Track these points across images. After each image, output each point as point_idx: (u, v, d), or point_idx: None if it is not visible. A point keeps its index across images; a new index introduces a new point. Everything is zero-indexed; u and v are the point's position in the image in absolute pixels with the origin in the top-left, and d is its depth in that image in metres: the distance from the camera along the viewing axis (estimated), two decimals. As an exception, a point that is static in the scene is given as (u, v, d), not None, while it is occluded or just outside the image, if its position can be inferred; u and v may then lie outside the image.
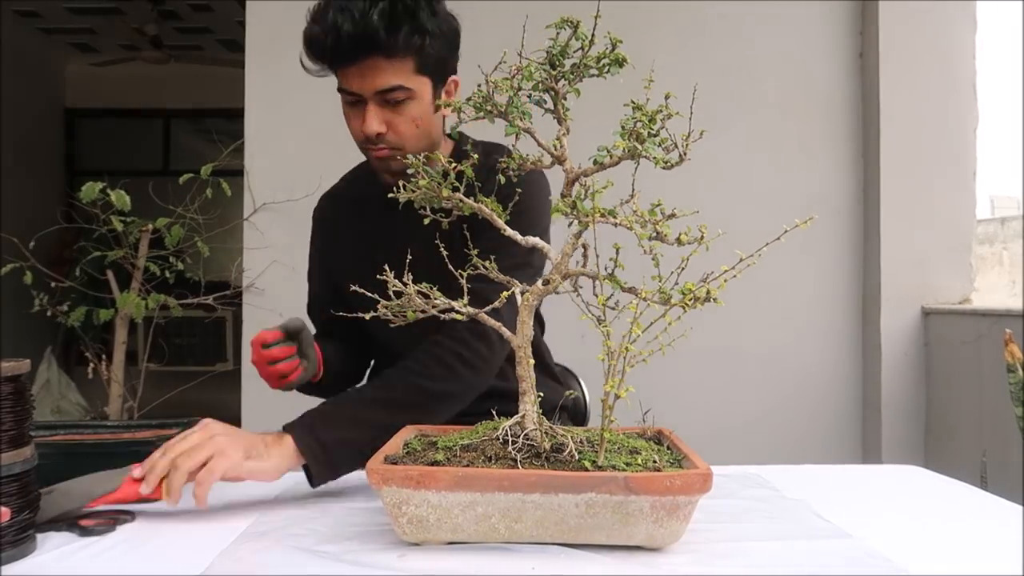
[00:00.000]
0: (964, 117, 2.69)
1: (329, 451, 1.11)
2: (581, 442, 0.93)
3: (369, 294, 1.00)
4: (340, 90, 1.34)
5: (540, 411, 0.97)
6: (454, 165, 1.01)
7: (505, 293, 0.98)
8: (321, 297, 1.57)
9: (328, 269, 1.56)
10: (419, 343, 1.27)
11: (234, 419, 2.69)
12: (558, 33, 0.98)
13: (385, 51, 1.25)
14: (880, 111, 2.67)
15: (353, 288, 1.02)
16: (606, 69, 0.98)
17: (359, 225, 1.51)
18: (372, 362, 1.61)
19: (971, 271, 2.68)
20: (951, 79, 2.69)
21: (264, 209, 2.69)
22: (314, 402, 1.23)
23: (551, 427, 0.95)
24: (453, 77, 1.39)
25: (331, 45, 1.26)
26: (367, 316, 1.00)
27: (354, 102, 1.32)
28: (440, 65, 1.33)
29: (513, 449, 0.91)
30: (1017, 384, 1.64)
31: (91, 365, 2.39)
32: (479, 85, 0.99)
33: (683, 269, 0.92)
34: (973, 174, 2.70)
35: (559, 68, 0.98)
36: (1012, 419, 1.80)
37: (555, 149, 1.00)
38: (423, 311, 0.99)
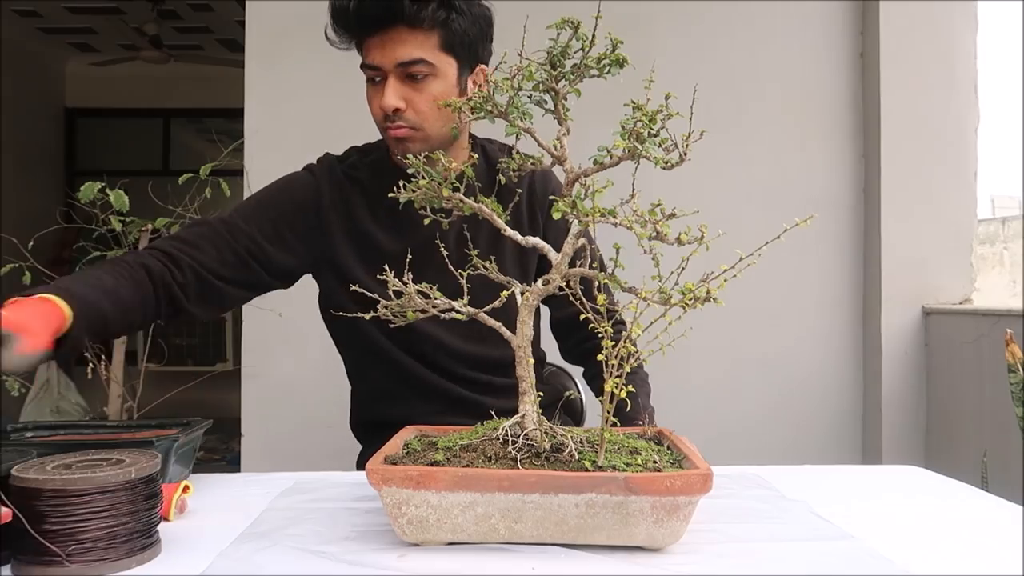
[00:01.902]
0: (965, 117, 2.69)
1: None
2: (581, 442, 0.93)
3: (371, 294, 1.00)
4: (363, 67, 1.31)
5: (540, 411, 0.97)
6: (454, 164, 1.01)
7: (505, 293, 0.98)
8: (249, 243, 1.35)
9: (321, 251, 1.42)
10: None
11: (234, 420, 2.70)
12: (559, 33, 0.98)
13: (408, 21, 1.24)
14: (881, 111, 2.67)
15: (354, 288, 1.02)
16: (606, 69, 0.98)
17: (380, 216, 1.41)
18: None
19: (972, 271, 2.68)
20: (952, 79, 2.69)
21: (264, 209, 2.69)
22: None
23: (551, 427, 0.95)
24: (482, 66, 1.35)
25: (355, 11, 1.25)
26: (367, 316, 1.00)
27: (377, 80, 1.30)
28: (467, 47, 1.30)
29: (513, 449, 0.91)
30: (1018, 384, 1.64)
31: (90, 365, 2.39)
32: (479, 85, 0.98)
33: (683, 269, 0.92)
34: (974, 174, 2.70)
35: (559, 68, 0.98)
36: (1012, 419, 1.79)
37: (555, 149, 1.00)
38: (423, 311, 0.99)
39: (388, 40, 1.25)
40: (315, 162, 1.47)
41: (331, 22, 1.31)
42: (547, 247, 0.99)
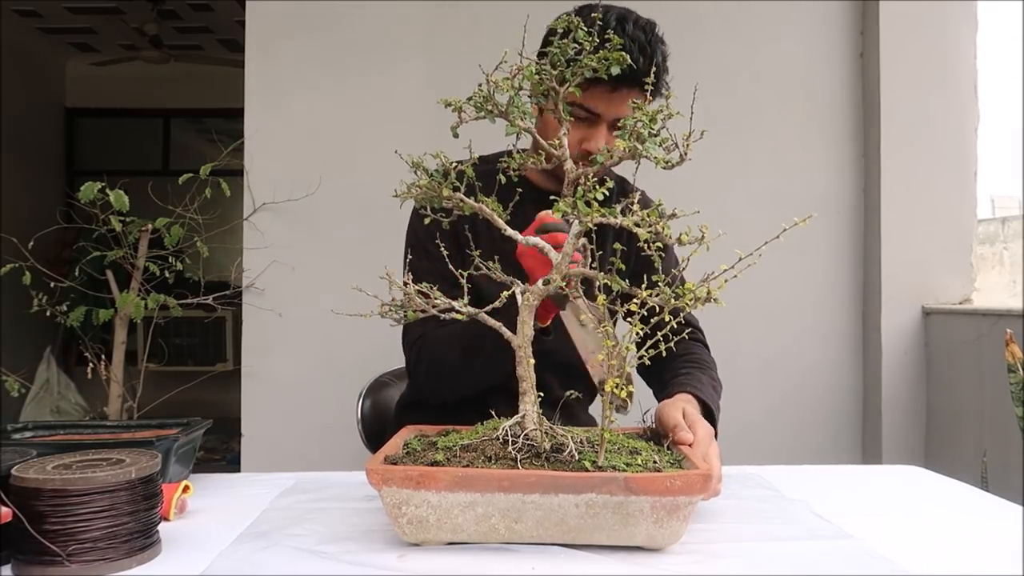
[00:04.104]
0: (965, 117, 2.69)
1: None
2: (581, 442, 0.93)
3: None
4: (575, 105, 1.32)
5: (540, 411, 0.97)
6: (454, 165, 1.01)
7: (505, 293, 0.98)
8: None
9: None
10: None
11: (234, 420, 2.70)
12: (559, 33, 0.98)
13: (643, 86, 1.26)
14: (881, 111, 2.67)
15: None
16: (606, 68, 0.98)
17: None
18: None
19: (972, 271, 2.68)
20: (952, 79, 2.68)
21: (264, 209, 2.69)
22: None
23: (551, 427, 0.95)
24: None
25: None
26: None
27: (582, 119, 1.33)
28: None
29: (513, 449, 0.91)
30: (1017, 384, 1.64)
31: (90, 365, 2.39)
32: (479, 85, 0.99)
33: (684, 269, 0.92)
34: (974, 174, 2.70)
35: (560, 68, 0.98)
36: (1012, 419, 1.79)
37: (556, 149, 1.00)
38: (423, 311, 0.99)
39: (618, 95, 1.30)
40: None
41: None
42: (547, 246, 0.99)
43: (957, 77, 2.68)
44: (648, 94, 1.24)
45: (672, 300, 0.91)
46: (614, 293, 0.95)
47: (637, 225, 0.92)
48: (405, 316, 1.00)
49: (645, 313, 0.90)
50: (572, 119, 1.30)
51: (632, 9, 1.37)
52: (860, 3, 2.78)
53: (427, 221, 1.05)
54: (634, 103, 0.97)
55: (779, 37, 2.79)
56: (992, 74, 2.82)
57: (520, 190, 1.11)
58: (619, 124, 1.29)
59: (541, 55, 1.03)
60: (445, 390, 1.43)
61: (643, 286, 0.93)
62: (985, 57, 2.69)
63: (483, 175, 1.08)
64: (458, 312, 0.98)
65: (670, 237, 0.92)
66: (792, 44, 2.79)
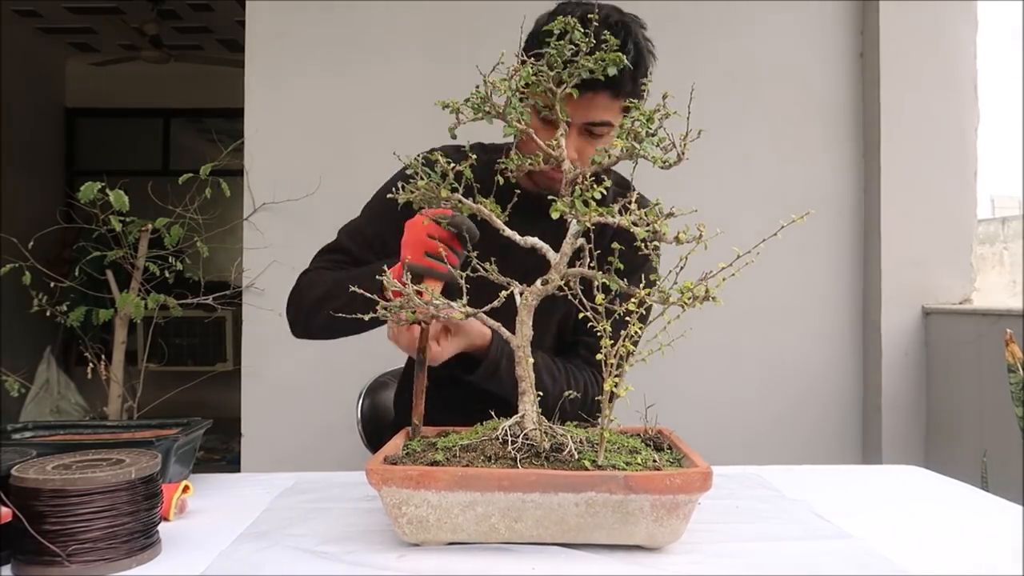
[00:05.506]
0: (965, 117, 2.69)
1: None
2: (581, 442, 0.93)
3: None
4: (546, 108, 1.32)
5: (539, 411, 0.97)
6: (453, 165, 1.01)
7: (504, 293, 0.98)
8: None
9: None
10: None
11: (234, 419, 2.70)
12: (556, 34, 0.98)
13: (614, 91, 1.24)
14: (880, 111, 2.67)
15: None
16: (603, 68, 0.98)
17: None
18: None
19: (971, 271, 2.68)
20: (952, 78, 2.68)
21: (264, 209, 2.69)
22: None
23: (551, 427, 0.95)
24: None
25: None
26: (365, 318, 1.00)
27: (550, 120, 1.27)
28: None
29: (513, 449, 0.91)
30: (1017, 384, 1.64)
31: (90, 365, 2.39)
32: (477, 86, 0.99)
33: (682, 268, 0.92)
34: (974, 174, 2.70)
35: (556, 69, 0.98)
36: (1012, 419, 1.79)
37: (554, 149, 1.00)
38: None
39: (587, 101, 1.23)
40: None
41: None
42: (546, 247, 0.99)
43: (957, 77, 2.68)
44: (621, 97, 1.22)
45: (669, 300, 0.91)
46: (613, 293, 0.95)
47: (635, 224, 0.92)
48: (405, 317, 1.00)
49: (644, 312, 0.90)
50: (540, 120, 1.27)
51: (622, 9, 1.32)
52: (860, 3, 2.78)
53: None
54: (631, 102, 0.97)
55: (779, 37, 2.79)
56: (992, 74, 2.82)
57: (518, 192, 1.10)
58: (591, 130, 1.26)
59: (535, 55, 1.02)
60: (299, 322, 1.58)
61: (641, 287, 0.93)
62: (985, 57, 2.70)
63: (483, 165, 1.08)
64: (457, 312, 0.98)
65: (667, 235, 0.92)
66: (792, 44, 2.79)
